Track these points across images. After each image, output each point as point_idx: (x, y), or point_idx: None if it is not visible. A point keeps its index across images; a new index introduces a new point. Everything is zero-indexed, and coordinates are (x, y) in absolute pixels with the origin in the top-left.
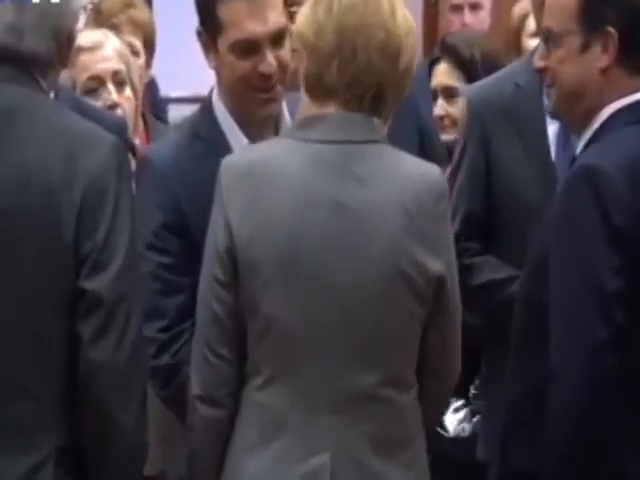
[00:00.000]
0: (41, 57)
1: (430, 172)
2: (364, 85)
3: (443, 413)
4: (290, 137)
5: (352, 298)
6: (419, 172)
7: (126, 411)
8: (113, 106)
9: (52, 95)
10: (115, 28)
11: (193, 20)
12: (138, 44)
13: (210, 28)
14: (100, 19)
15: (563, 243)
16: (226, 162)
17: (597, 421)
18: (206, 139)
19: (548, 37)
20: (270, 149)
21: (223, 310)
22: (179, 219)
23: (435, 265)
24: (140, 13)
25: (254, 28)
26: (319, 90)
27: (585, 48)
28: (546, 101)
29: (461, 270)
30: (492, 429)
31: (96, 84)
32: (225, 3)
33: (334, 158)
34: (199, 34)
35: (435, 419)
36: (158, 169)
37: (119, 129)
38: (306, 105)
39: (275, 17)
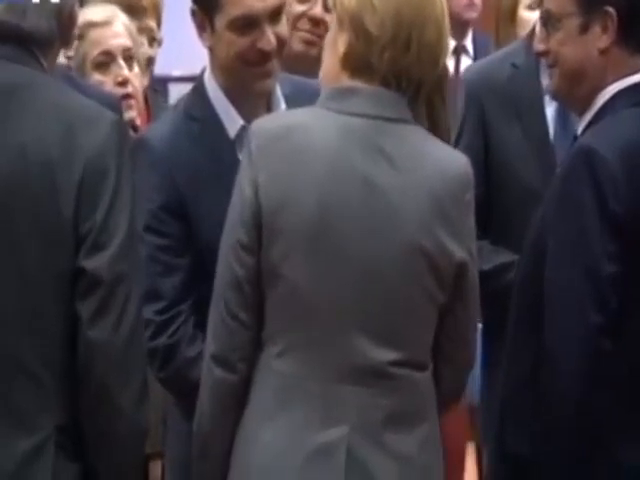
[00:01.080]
0: (43, 36)
1: (460, 160)
2: (410, 79)
3: (456, 401)
4: (323, 107)
5: (374, 275)
6: (449, 159)
7: (125, 393)
8: (123, 82)
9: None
10: (143, 12)
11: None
12: (156, 29)
13: (207, 6)
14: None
15: (559, 227)
16: (256, 126)
17: (590, 406)
18: (200, 120)
19: (547, 19)
20: (303, 117)
21: (244, 274)
22: (176, 200)
23: (459, 251)
24: None
25: (253, 4)
26: (362, 69)
27: (584, 29)
28: (545, 82)
29: None
30: (490, 414)
31: (107, 59)
32: None
33: (366, 133)
34: (193, 13)
35: (447, 406)
36: (155, 150)
37: (113, 107)
38: (334, 75)
39: None
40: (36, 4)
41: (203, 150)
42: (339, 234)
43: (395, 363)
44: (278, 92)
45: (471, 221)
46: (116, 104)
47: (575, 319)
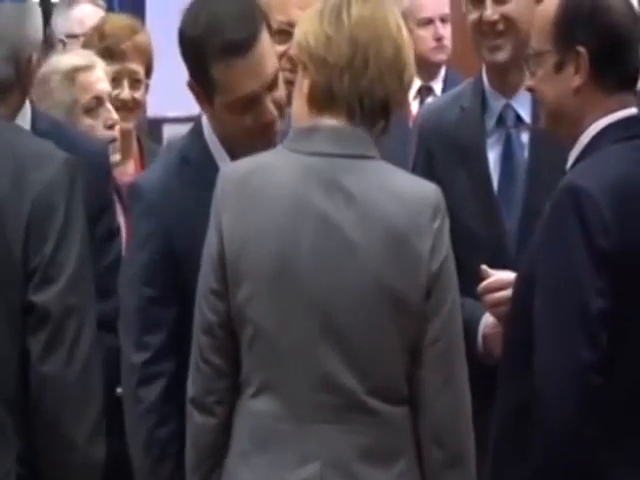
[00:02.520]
0: None
1: (424, 189)
2: (374, 98)
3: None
4: (286, 148)
5: (337, 313)
6: (412, 189)
7: (78, 427)
8: (113, 125)
9: (28, 114)
10: (123, 55)
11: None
12: (141, 72)
13: (204, 86)
14: (105, 43)
15: (549, 264)
16: (222, 172)
17: (581, 441)
18: (195, 163)
19: (529, 56)
20: (266, 159)
21: (216, 319)
22: (167, 249)
23: (426, 281)
24: (143, 38)
25: (252, 85)
26: (326, 101)
27: (559, 68)
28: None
29: None
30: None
31: (97, 103)
32: (218, 65)
33: (325, 172)
34: (191, 86)
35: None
36: (146, 198)
37: (101, 152)
38: (302, 114)
39: (270, 66)
40: None
41: (196, 195)
42: (299, 274)
43: (367, 393)
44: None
45: (442, 246)
46: (105, 150)
47: (565, 356)
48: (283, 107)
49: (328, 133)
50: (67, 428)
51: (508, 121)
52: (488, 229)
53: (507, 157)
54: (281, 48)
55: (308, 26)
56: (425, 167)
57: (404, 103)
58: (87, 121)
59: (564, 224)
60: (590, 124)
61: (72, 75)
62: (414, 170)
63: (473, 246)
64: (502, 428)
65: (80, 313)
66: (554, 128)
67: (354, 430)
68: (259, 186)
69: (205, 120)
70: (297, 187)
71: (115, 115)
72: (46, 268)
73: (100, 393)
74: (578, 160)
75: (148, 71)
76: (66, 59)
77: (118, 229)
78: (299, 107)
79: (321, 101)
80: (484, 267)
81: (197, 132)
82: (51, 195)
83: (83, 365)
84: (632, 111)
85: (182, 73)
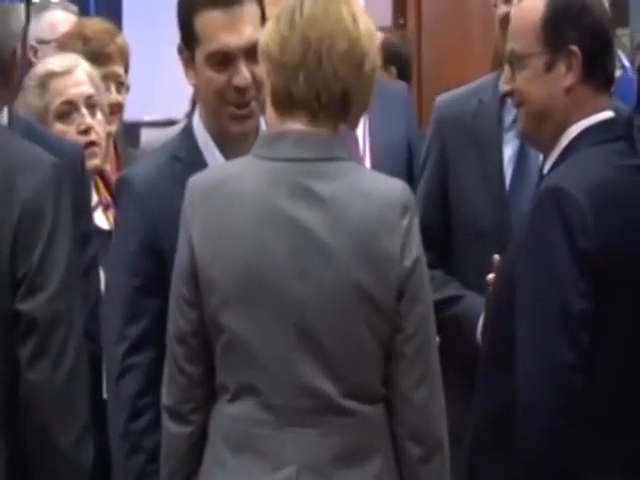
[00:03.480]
0: None
1: (392, 187)
2: (331, 93)
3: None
4: (253, 155)
5: (311, 316)
6: (380, 188)
7: (65, 432)
8: (87, 130)
9: (5, 116)
10: (108, 58)
11: (164, 44)
12: (123, 74)
13: (188, 42)
14: (90, 47)
15: (530, 266)
16: (191, 181)
17: (564, 443)
18: (185, 161)
19: (513, 59)
20: (233, 168)
21: (189, 327)
22: (153, 241)
23: (396, 279)
24: (123, 40)
25: (228, 40)
26: (287, 103)
27: (550, 68)
28: (508, 120)
29: None
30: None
31: (69, 108)
32: (201, 14)
33: (293, 176)
34: (180, 51)
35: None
36: (134, 190)
37: (74, 155)
38: (272, 120)
39: (250, 31)
40: None
41: (183, 191)
42: (271, 279)
43: (342, 395)
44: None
45: (412, 244)
46: (79, 153)
47: (547, 358)
48: (261, 85)
49: (293, 138)
50: (54, 434)
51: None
52: (495, 222)
53: (522, 154)
54: None
55: (268, 30)
56: (438, 156)
57: (371, 89)
58: (59, 126)
59: (546, 225)
60: (574, 123)
61: (46, 81)
62: (426, 158)
63: (479, 238)
64: (480, 431)
65: (67, 320)
66: (537, 130)
67: (330, 432)
68: (227, 194)
69: (196, 119)
70: (265, 194)
71: (89, 119)
72: (33, 276)
73: (87, 399)
74: (557, 162)
75: (126, 73)
76: (44, 64)
77: (94, 232)
78: (269, 113)
79: (282, 103)
80: (497, 257)
81: (187, 131)
82: (38, 202)
83: (70, 372)
84: (609, 114)
85: (159, 77)
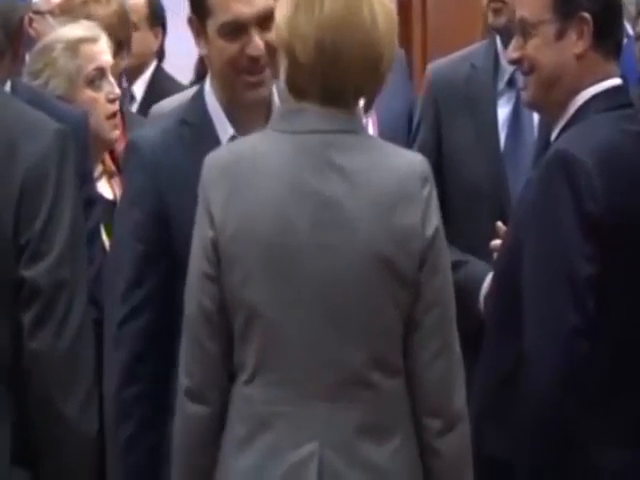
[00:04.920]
0: None
1: (412, 159)
2: (343, 89)
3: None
4: (272, 129)
5: (333, 288)
6: (400, 161)
7: (68, 399)
8: (114, 100)
9: (8, 85)
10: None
11: (168, 13)
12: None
13: (199, 12)
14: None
15: (537, 230)
16: (208, 158)
17: (568, 407)
18: (193, 125)
19: (523, 27)
20: (252, 142)
21: (212, 305)
22: (159, 205)
23: (417, 250)
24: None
25: (241, 9)
26: (300, 93)
27: (561, 35)
28: (501, 85)
29: None
30: None
31: (99, 75)
32: None
33: (315, 149)
34: (190, 21)
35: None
36: (141, 153)
37: (78, 122)
38: (287, 96)
39: (264, 0)
40: None
41: (191, 155)
42: (294, 252)
43: (366, 366)
44: (277, 101)
45: (432, 214)
46: (83, 120)
47: (553, 321)
48: (274, 53)
49: (314, 112)
50: (58, 402)
51: (519, 83)
52: (491, 184)
53: (515, 117)
54: None
55: (285, 12)
56: (431, 120)
57: (385, 82)
58: (89, 93)
59: (553, 189)
60: (582, 91)
61: (76, 45)
62: (420, 123)
63: (475, 200)
64: (485, 397)
65: (71, 287)
66: (545, 97)
67: (352, 407)
68: (248, 169)
69: (207, 86)
70: (288, 166)
71: (117, 89)
72: (37, 243)
73: (91, 367)
74: (564, 128)
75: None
76: (71, 30)
77: (97, 198)
78: (285, 88)
79: (296, 92)
80: (499, 224)
81: (198, 96)
82: (42, 168)
83: (72, 340)
84: (617, 81)
85: (166, 46)
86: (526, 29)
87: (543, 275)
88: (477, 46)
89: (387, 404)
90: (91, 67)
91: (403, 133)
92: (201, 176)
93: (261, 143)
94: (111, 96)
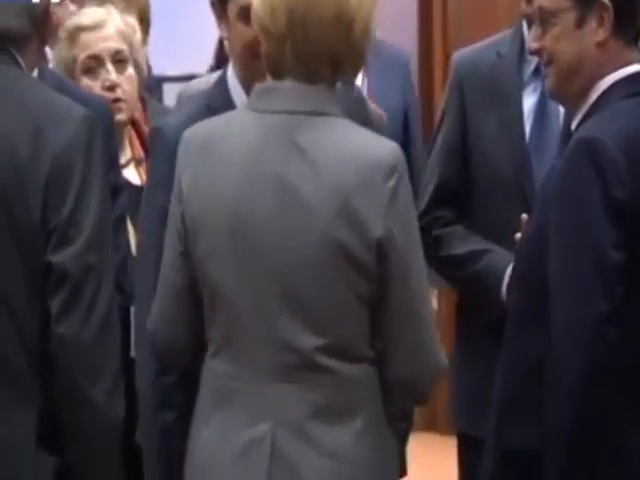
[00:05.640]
0: (14, 32)
1: (382, 148)
2: (319, 60)
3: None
4: (248, 107)
5: (291, 272)
6: (368, 148)
7: (95, 385)
8: (111, 87)
9: (36, 71)
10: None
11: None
12: (132, 21)
13: None
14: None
15: (563, 217)
16: (186, 132)
17: (597, 395)
18: (217, 111)
19: (542, 16)
20: (227, 120)
21: (184, 281)
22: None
23: (376, 238)
24: None
25: None
26: (277, 69)
27: (581, 24)
28: (527, 73)
29: (430, 241)
30: (474, 401)
31: (95, 63)
32: None
33: (282, 129)
34: (212, 4)
35: (405, 403)
36: (166, 140)
37: (103, 108)
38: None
39: None
40: (3, 3)
41: None
42: (254, 233)
43: (321, 350)
44: None
45: (400, 205)
46: (107, 106)
47: (581, 308)
48: None
49: (286, 91)
50: (84, 387)
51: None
52: (516, 173)
53: (541, 107)
54: None
55: None
56: (457, 110)
57: (365, 50)
58: (85, 81)
59: (580, 176)
60: (603, 78)
61: (74, 34)
62: (444, 114)
63: (500, 189)
64: (509, 391)
65: (98, 273)
66: (567, 87)
67: (309, 389)
68: (218, 147)
69: (230, 71)
70: (254, 146)
71: (113, 76)
72: (64, 228)
73: (117, 352)
74: (586, 116)
75: (144, 24)
76: (78, 17)
77: (123, 185)
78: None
79: (272, 68)
80: (524, 216)
81: (221, 81)
82: (69, 155)
83: (100, 325)
84: (637, 67)
85: (182, 31)
86: (545, 18)
87: (571, 262)
88: (503, 35)
89: (347, 390)
90: (84, 55)
91: (397, 130)
92: (178, 151)
93: (234, 121)
94: (106, 83)
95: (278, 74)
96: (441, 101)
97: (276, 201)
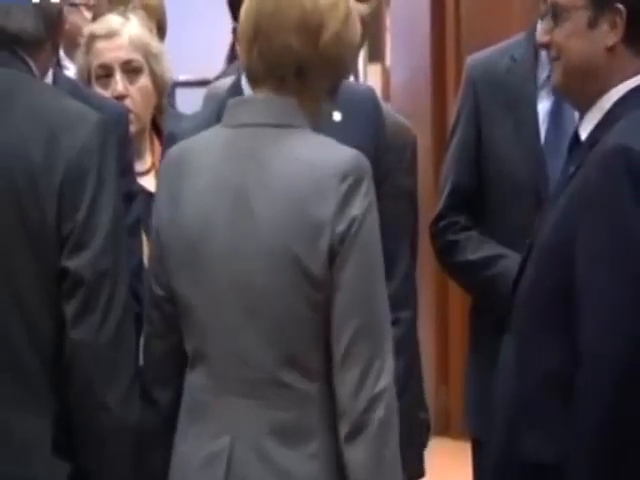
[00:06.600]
0: (28, 36)
1: (339, 156)
2: (283, 67)
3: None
4: (221, 123)
5: (249, 285)
6: (324, 157)
7: (110, 391)
8: (120, 97)
9: (50, 76)
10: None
11: (200, 3)
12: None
13: (234, 9)
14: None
15: (594, 228)
16: (168, 151)
17: (631, 409)
18: None
19: (555, 11)
20: (201, 137)
21: (161, 291)
22: None
23: (327, 247)
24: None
25: None
26: (251, 78)
27: (593, 24)
28: (542, 77)
29: (445, 247)
30: (484, 404)
31: (105, 72)
32: None
33: (243, 143)
34: (234, 30)
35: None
36: None
37: (118, 115)
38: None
39: None
40: (19, 5)
41: None
42: (213, 246)
43: (282, 367)
44: None
45: (351, 207)
46: (124, 113)
47: (618, 319)
48: None
49: (255, 104)
50: (99, 393)
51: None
52: (531, 177)
53: (557, 110)
54: None
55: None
56: (471, 114)
57: (335, 59)
58: (98, 89)
59: (615, 186)
60: (614, 85)
61: (90, 42)
62: (459, 115)
63: (515, 194)
64: (525, 402)
65: (113, 277)
66: (572, 87)
67: (268, 405)
68: (187, 162)
69: (244, 75)
70: (218, 162)
71: (120, 87)
72: (79, 234)
73: (133, 357)
74: (600, 125)
75: (161, 31)
76: (95, 25)
77: (137, 192)
78: None
79: (248, 75)
80: None
81: (235, 86)
82: (83, 159)
83: (115, 330)
84: None
85: (194, 37)
86: (558, 12)
87: (603, 276)
88: (517, 38)
89: (304, 407)
90: (97, 64)
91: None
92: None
93: (207, 138)
94: (114, 93)
95: (255, 83)
96: (454, 107)
97: (232, 214)
